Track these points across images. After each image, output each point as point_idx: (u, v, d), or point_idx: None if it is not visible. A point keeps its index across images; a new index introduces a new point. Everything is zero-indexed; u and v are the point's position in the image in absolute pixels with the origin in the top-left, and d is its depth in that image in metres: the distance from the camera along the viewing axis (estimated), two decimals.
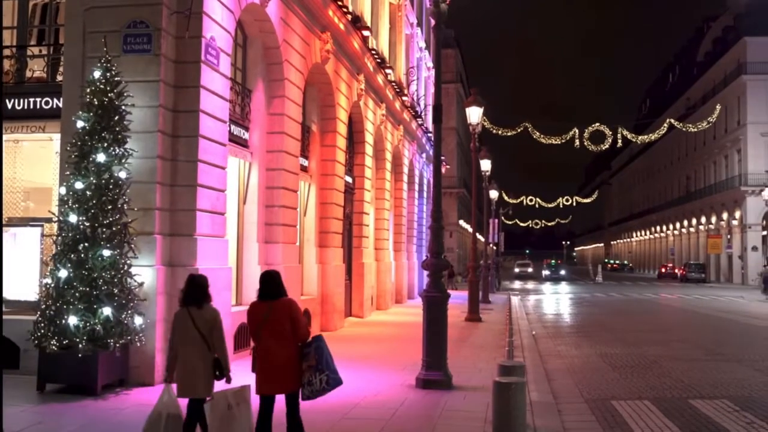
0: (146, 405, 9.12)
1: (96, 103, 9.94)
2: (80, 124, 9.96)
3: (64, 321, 9.52)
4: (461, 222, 62.05)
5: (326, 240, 18.41)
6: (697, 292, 42.83)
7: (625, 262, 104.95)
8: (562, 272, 71.29)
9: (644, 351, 15.80)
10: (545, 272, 67.62)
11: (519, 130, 46.27)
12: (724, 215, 61.01)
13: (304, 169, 17.24)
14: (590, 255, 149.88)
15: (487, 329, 19.06)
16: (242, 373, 7.38)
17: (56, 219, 10.19)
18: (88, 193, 9.74)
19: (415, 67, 31.82)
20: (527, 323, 21.58)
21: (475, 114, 21.71)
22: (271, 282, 6.55)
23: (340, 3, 17.27)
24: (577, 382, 11.89)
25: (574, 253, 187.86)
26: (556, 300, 36.25)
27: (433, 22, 13.47)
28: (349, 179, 21.03)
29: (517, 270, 76.20)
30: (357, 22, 19.21)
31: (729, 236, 59.15)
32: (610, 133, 46.90)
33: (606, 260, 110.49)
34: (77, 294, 9.55)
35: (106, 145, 9.87)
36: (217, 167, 11.53)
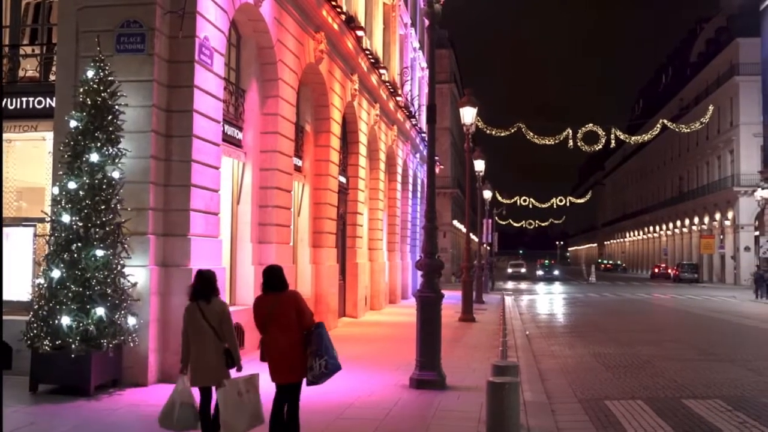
0: (139, 405, 9.13)
1: (89, 102, 9.91)
2: (73, 123, 9.93)
3: (57, 321, 9.49)
4: (455, 222, 62.09)
5: (320, 240, 18.40)
6: (690, 292, 42.97)
7: (619, 262, 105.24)
8: (556, 272, 71.44)
9: (637, 351, 15.84)
10: (539, 272, 67.68)
11: (513, 131, 46.41)
12: (717, 216, 61.24)
13: (297, 169, 17.23)
14: (584, 255, 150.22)
15: (480, 329, 19.08)
16: (249, 366, 7.45)
17: (49, 219, 10.17)
18: (81, 193, 9.71)
19: (409, 67, 31.82)
20: (521, 323, 21.62)
21: (468, 114, 21.73)
22: (274, 276, 6.80)
23: (333, 3, 17.26)
24: (571, 382, 11.92)
25: (568, 254, 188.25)
26: (550, 300, 36.31)
27: (427, 22, 13.49)
28: (342, 179, 21.03)
29: (509, 270, 72.54)
30: (351, 22, 19.20)
31: (722, 236, 59.39)
32: (604, 133, 47.06)
33: (599, 260, 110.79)
34: (70, 294, 9.52)
35: (99, 144, 9.84)
36: (211, 167, 11.51)
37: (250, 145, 14.30)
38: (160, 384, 10.34)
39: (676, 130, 55.88)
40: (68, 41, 11.02)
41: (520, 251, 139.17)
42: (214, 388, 6.80)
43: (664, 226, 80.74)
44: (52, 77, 11.68)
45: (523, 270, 72.65)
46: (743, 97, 55.80)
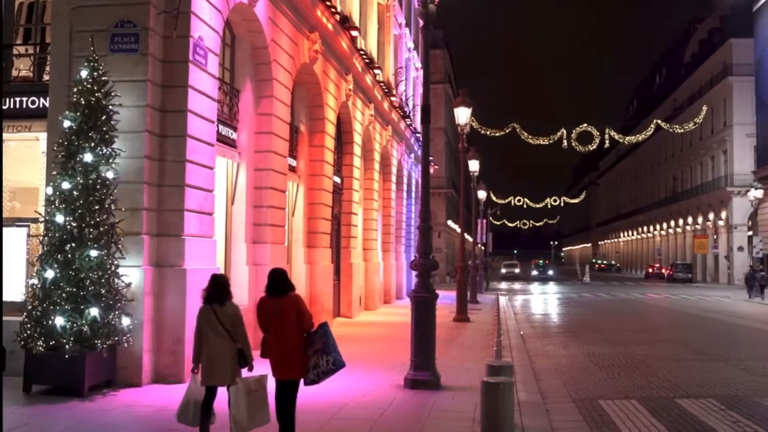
0: (133, 406, 9.12)
1: (83, 102, 9.89)
2: (67, 123, 9.91)
3: (50, 322, 9.47)
4: (449, 222, 62.09)
5: (314, 240, 18.38)
6: (684, 292, 43.08)
7: (613, 262, 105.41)
8: (550, 272, 71.49)
9: (631, 351, 15.88)
10: (533, 272, 67.69)
11: (507, 131, 46.42)
12: (711, 216, 61.41)
13: (292, 169, 17.21)
14: (578, 255, 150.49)
15: (475, 329, 19.09)
16: (258, 365, 7.50)
17: (43, 219, 10.13)
18: (75, 193, 9.69)
19: (404, 67, 31.84)
20: (515, 323, 21.63)
21: (463, 114, 21.76)
22: (279, 279, 7.09)
23: (328, 3, 17.26)
24: (565, 381, 11.94)
25: (562, 254, 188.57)
26: (544, 300, 36.36)
27: (421, 22, 13.48)
28: (337, 179, 21.02)
29: (503, 271, 71.11)
30: (345, 22, 19.20)
31: (715, 236, 59.54)
32: (598, 133, 47.16)
33: (593, 260, 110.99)
34: (64, 294, 9.49)
35: (93, 144, 9.83)
36: (205, 167, 11.49)
37: (244, 145, 14.29)
38: (154, 384, 10.32)
39: (670, 130, 56.04)
40: (62, 41, 10.98)
41: (515, 251, 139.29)
42: (222, 387, 7.13)
43: (658, 226, 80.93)
44: (45, 77, 11.64)
45: (517, 270, 71.99)
46: (736, 98, 55.93)
